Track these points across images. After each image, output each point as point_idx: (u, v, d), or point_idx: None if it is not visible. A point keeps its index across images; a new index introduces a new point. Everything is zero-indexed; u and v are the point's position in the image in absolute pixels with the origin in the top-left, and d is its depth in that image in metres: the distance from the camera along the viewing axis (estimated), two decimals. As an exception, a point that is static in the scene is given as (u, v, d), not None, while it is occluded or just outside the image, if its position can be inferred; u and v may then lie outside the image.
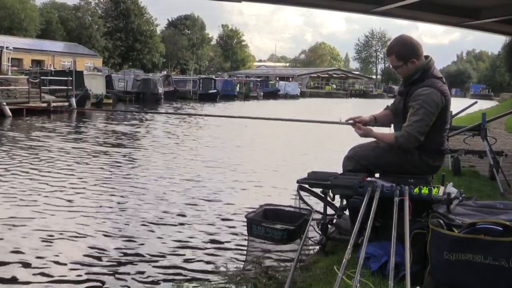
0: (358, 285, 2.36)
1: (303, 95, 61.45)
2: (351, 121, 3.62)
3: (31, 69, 32.90)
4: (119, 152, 12.39)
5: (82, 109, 25.09)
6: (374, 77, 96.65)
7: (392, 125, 3.67)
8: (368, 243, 2.66)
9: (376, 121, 3.66)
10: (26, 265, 4.72)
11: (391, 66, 3.50)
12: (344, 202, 3.54)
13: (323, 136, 15.47)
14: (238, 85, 53.59)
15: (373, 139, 3.61)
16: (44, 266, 4.72)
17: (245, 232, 3.73)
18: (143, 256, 5.03)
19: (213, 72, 74.87)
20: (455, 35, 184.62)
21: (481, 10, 9.45)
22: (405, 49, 3.32)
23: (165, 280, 4.47)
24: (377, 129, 3.64)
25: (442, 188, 3.18)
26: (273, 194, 7.86)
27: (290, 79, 69.20)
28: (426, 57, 3.38)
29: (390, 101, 3.89)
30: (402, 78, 3.48)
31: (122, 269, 4.69)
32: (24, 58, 43.76)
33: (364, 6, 9.20)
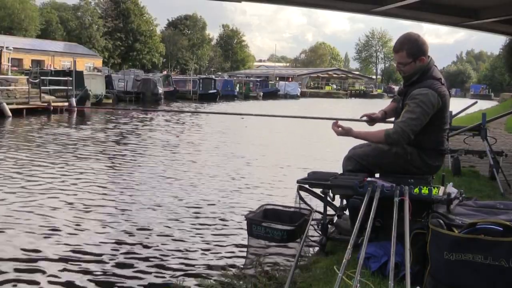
0: (358, 285, 2.35)
1: (303, 95, 61.43)
2: (366, 118, 3.63)
3: (31, 69, 32.88)
4: (117, 152, 12.39)
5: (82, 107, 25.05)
6: (374, 77, 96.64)
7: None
8: (368, 243, 2.66)
9: (386, 115, 3.69)
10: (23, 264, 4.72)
11: (396, 63, 3.48)
12: (344, 202, 3.54)
13: (323, 136, 15.46)
14: (238, 85, 53.58)
15: None
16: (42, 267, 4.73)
17: (245, 232, 3.73)
18: (142, 256, 5.03)
19: (213, 72, 74.83)
20: (460, 35, 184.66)
21: (481, 10, 9.44)
22: (416, 46, 3.32)
23: (164, 280, 4.46)
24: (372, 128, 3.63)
25: (442, 188, 3.18)
26: (273, 194, 7.86)
27: (290, 79, 69.18)
28: (427, 57, 3.39)
29: (390, 101, 3.90)
30: (403, 77, 3.48)
31: (121, 269, 4.69)
32: (24, 58, 43.75)
33: (364, 6, 9.19)
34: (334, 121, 3.51)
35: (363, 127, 3.64)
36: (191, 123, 21.77)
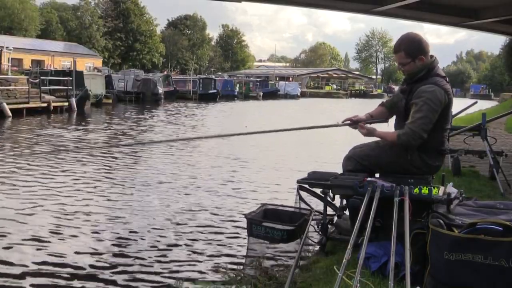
0: (358, 285, 2.36)
1: (303, 95, 61.42)
2: (348, 122, 3.61)
3: (31, 69, 32.88)
4: (113, 154, 12.37)
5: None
6: (374, 77, 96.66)
7: (393, 123, 3.66)
8: (368, 243, 2.66)
9: (373, 118, 3.66)
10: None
11: (397, 63, 3.49)
12: (344, 202, 3.54)
13: (323, 137, 15.46)
14: (238, 85, 53.61)
15: (373, 139, 3.61)
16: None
17: (245, 232, 3.73)
18: (143, 256, 5.02)
19: (213, 72, 74.83)
20: (460, 35, 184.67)
21: (481, 10, 9.46)
22: (414, 46, 3.33)
23: (165, 280, 4.46)
24: (381, 129, 3.63)
25: (442, 188, 3.18)
26: (274, 194, 7.85)
27: (290, 79, 69.19)
28: (431, 56, 3.39)
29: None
30: (406, 75, 3.48)
31: (121, 269, 4.68)
32: (24, 58, 43.76)
33: (365, 6, 9.21)
34: (361, 123, 3.52)
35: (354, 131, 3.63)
36: (189, 123, 21.76)
